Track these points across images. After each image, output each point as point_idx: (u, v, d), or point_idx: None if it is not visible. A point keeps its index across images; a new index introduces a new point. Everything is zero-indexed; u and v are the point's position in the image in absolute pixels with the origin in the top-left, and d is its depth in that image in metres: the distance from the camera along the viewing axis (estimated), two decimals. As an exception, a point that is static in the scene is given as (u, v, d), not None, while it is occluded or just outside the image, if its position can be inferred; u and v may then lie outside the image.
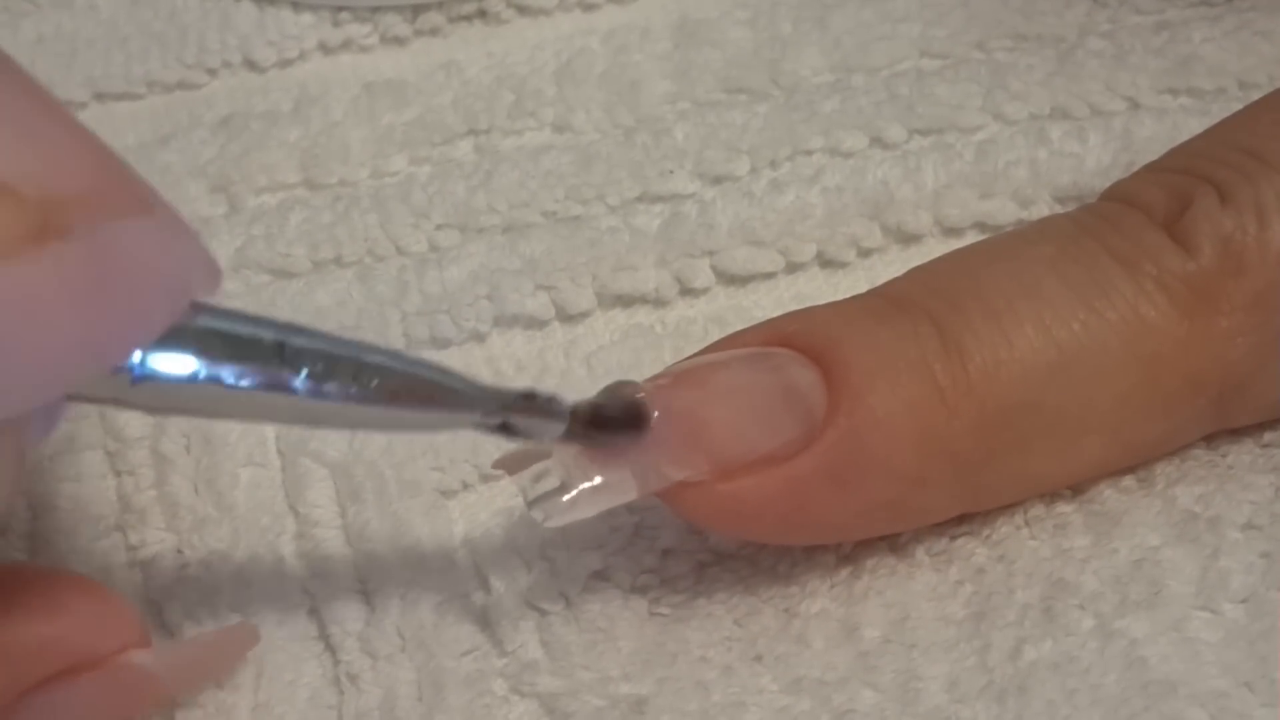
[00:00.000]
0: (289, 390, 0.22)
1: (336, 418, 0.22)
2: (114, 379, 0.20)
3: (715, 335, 0.28)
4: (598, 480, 0.25)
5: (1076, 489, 0.27)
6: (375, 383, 0.22)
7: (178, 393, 0.21)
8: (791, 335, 0.25)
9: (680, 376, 0.25)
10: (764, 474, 0.25)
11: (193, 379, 0.21)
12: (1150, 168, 0.28)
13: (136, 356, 0.21)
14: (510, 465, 0.25)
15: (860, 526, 0.26)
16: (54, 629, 0.25)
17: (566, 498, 0.25)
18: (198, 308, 0.21)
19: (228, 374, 0.21)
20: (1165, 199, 0.26)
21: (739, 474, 0.25)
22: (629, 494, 0.25)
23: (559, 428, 0.24)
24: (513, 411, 0.24)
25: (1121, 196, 0.27)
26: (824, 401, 0.25)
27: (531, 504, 0.25)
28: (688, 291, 0.32)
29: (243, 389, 0.21)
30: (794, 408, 0.25)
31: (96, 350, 0.19)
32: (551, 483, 0.25)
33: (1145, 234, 0.26)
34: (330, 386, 0.22)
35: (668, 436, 0.25)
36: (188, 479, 0.30)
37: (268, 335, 0.22)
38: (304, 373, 0.22)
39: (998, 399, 0.25)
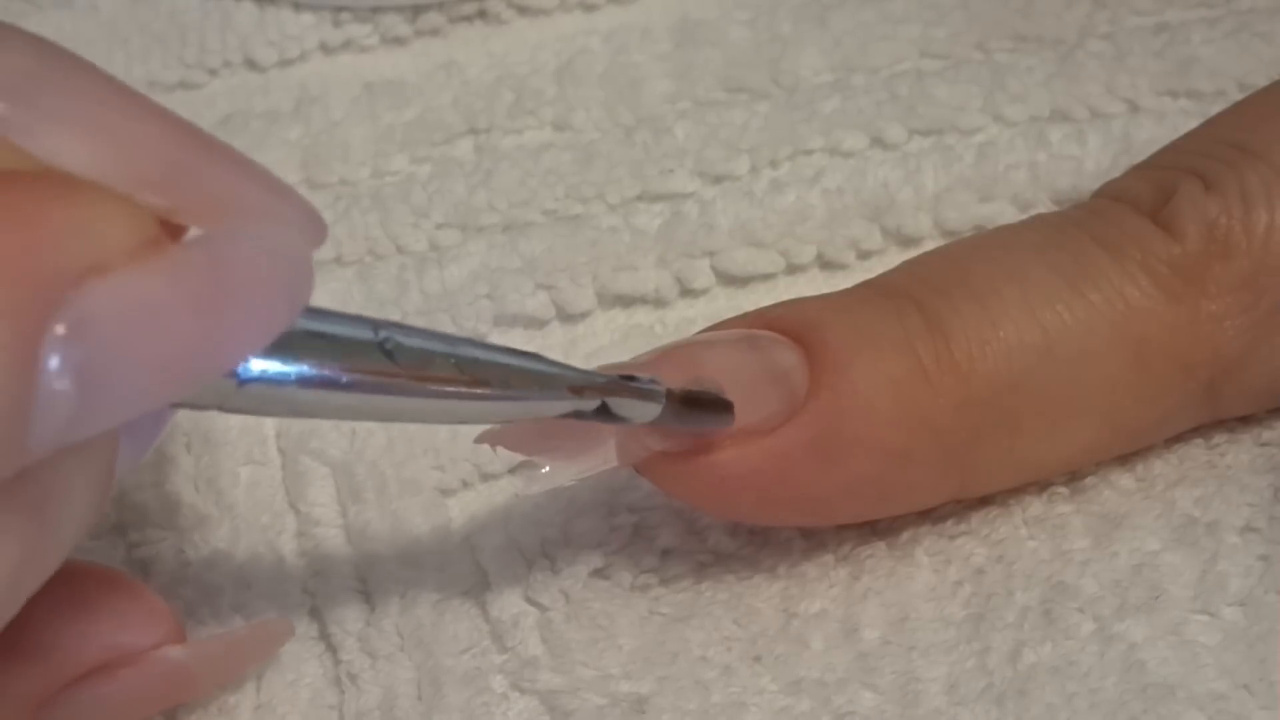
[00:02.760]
0: (396, 389, 0.21)
1: (439, 412, 0.22)
2: (219, 384, 0.20)
3: (715, 336, 0.28)
4: (579, 449, 0.25)
5: (1075, 489, 0.27)
6: (478, 375, 0.22)
7: (283, 395, 0.20)
8: (775, 319, 0.26)
9: (664, 353, 0.25)
10: (745, 445, 0.25)
11: (299, 381, 0.20)
12: (1138, 166, 0.28)
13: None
14: (493, 439, 0.25)
15: (847, 504, 0.26)
16: (92, 626, 0.25)
17: (547, 466, 0.25)
18: None
19: (333, 374, 0.21)
20: (1151, 192, 0.26)
21: (720, 445, 0.25)
22: (609, 463, 0.25)
23: (655, 409, 0.24)
24: (612, 393, 0.24)
25: (1109, 194, 0.27)
26: (807, 381, 0.25)
27: (513, 472, 0.25)
28: (688, 292, 0.32)
29: (348, 389, 0.21)
30: (777, 385, 0.25)
31: (211, 359, 0.19)
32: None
33: (1130, 221, 0.26)
34: (433, 382, 0.22)
35: None
36: (188, 477, 0.30)
37: (367, 334, 0.21)
38: (409, 370, 0.21)
39: (983, 378, 0.25)
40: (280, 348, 0.20)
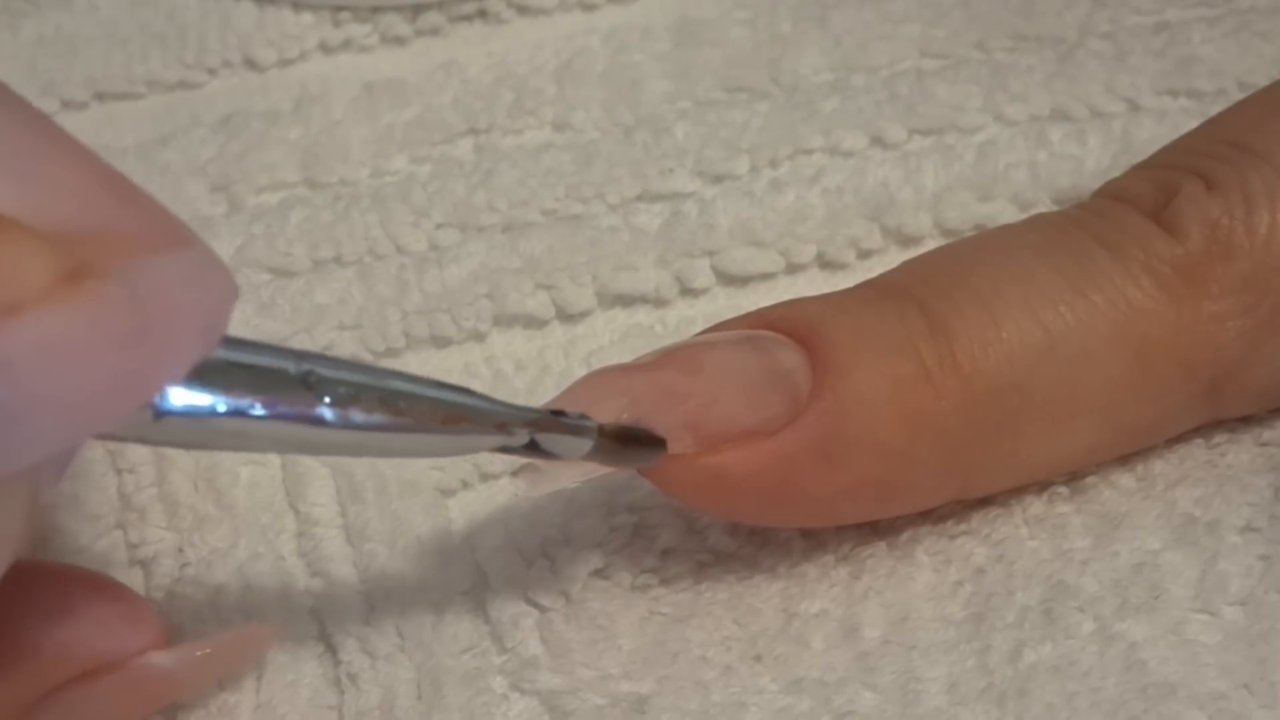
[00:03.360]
0: (316, 421, 0.21)
1: (364, 446, 0.22)
2: (136, 416, 0.20)
3: (715, 336, 0.28)
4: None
5: (1075, 489, 0.27)
6: (402, 408, 0.22)
7: (202, 427, 0.20)
8: (777, 320, 0.26)
9: (665, 355, 0.25)
10: (748, 448, 0.25)
11: (217, 413, 0.20)
12: (1139, 166, 0.28)
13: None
14: None
15: (849, 506, 0.26)
16: (77, 632, 0.25)
17: (549, 466, 0.25)
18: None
19: (253, 406, 0.21)
20: (1153, 192, 0.26)
21: (723, 448, 0.25)
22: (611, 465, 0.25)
23: (586, 445, 0.24)
24: (541, 429, 0.24)
25: (1110, 193, 0.27)
26: (809, 382, 0.25)
27: (516, 473, 0.25)
28: (688, 291, 0.32)
29: (269, 421, 0.21)
30: (779, 386, 0.25)
31: (131, 393, 0.19)
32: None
33: (1132, 222, 0.26)
34: (357, 415, 0.21)
35: (650, 409, 0.25)
36: (188, 477, 0.30)
37: (291, 365, 0.21)
38: (330, 402, 0.21)
39: (985, 379, 0.25)
40: (200, 379, 0.20)
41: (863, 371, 0.25)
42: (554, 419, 0.24)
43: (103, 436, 0.20)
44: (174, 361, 0.19)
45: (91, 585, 0.26)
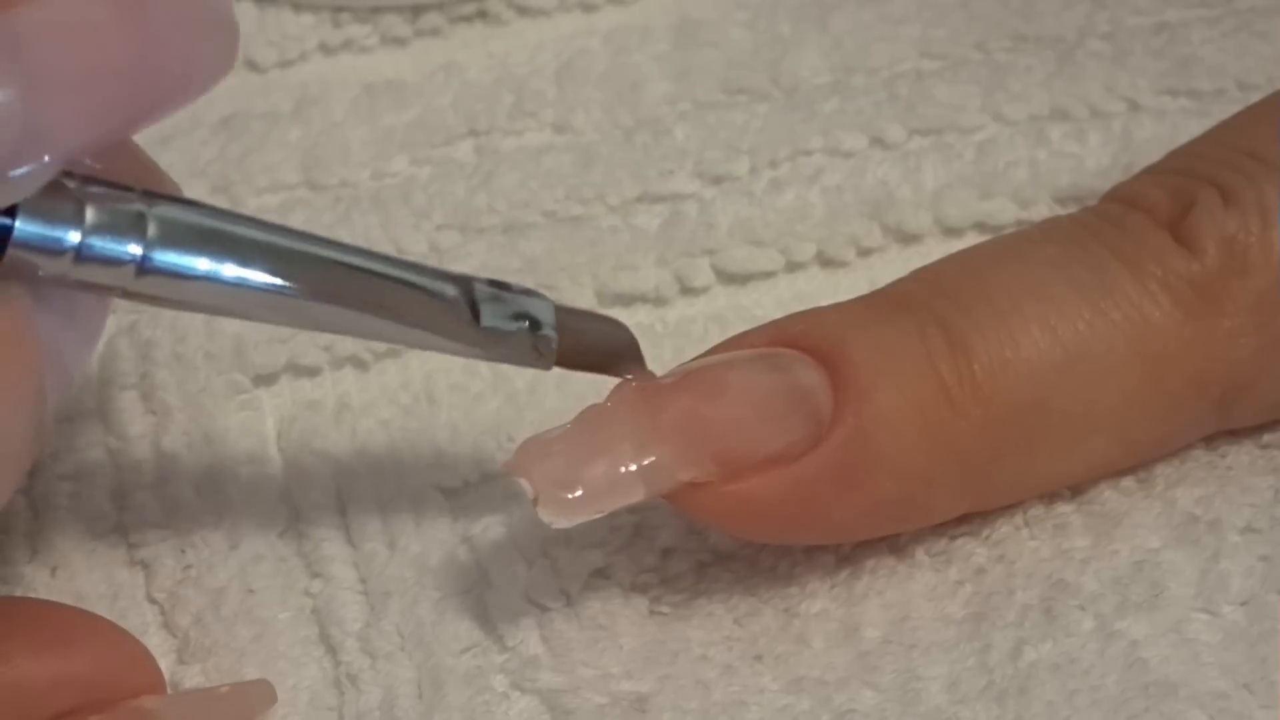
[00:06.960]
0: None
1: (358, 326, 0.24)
2: (121, 269, 0.21)
3: (715, 335, 0.28)
4: (605, 481, 0.25)
5: (1076, 489, 0.27)
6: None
7: (184, 287, 0.22)
8: (797, 336, 0.26)
9: (686, 377, 0.25)
10: (771, 474, 0.25)
11: (196, 272, 0.22)
12: (1151, 170, 0.28)
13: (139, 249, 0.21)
14: (517, 467, 0.25)
15: (866, 526, 0.26)
16: (69, 667, 0.24)
17: (572, 496, 0.25)
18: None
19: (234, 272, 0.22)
20: (1168, 200, 0.26)
21: (746, 474, 0.25)
22: (636, 495, 0.25)
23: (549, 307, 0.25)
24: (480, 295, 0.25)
25: (1124, 198, 0.27)
26: (830, 402, 0.25)
27: (537, 502, 0.25)
28: (688, 291, 0.32)
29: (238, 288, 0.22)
30: (801, 408, 0.25)
31: (145, 80, 0.20)
32: (559, 484, 0.25)
33: (1149, 235, 0.26)
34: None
35: (675, 437, 0.25)
36: (188, 478, 0.30)
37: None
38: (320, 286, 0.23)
39: (1004, 398, 0.25)
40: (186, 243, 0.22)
41: (885, 393, 0.25)
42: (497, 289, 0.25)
43: (89, 285, 0.21)
44: (180, 60, 0.20)
45: (88, 623, 0.25)
